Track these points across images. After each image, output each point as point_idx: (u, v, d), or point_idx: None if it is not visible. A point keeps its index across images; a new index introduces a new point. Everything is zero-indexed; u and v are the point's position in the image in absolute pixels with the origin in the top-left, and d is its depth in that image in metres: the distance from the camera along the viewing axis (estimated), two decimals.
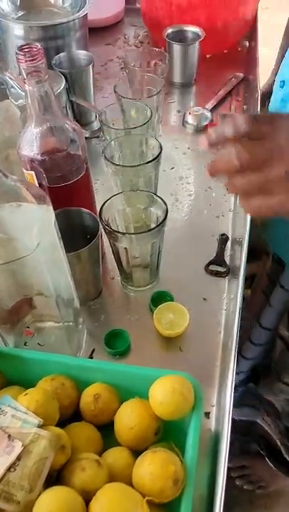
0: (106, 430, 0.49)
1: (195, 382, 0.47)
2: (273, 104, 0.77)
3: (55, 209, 0.58)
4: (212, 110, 0.94)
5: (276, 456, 1.19)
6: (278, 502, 1.29)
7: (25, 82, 0.50)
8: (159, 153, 0.64)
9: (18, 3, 0.94)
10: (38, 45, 0.48)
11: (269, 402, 1.09)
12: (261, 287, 0.97)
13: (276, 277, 0.86)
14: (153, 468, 0.41)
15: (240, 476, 1.25)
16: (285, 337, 0.92)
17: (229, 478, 1.08)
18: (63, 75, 0.79)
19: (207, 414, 0.53)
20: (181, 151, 0.87)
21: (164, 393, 0.46)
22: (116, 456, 0.45)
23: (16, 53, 0.48)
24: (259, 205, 0.46)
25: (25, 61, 0.48)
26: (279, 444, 1.15)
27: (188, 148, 0.87)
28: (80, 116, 0.89)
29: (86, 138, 0.87)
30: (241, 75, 1.03)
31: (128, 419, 0.47)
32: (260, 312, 0.91)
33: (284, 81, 0.71)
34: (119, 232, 0.55)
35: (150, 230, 0.55)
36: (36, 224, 0.45)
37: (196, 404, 0.47)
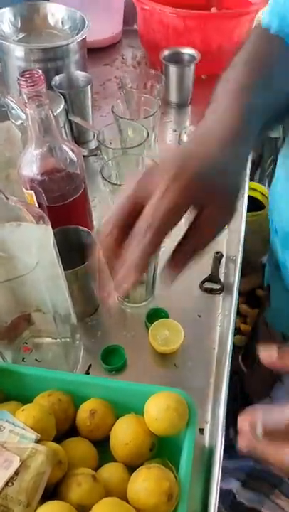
0: (102, 446, 0.50)
1: (189, 399, 0.48)
2: None
3: (53, 227, 0.59)
4: None
5: None
6: None
7: (26, 106, 0.52)
8: None
9: (19, 26, 0.97)
10: (39, 71, 0.50)
11: None
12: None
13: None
14: (148, 484, 0.42)
15: None
16: None
17: None
18: (62, 96, 0.81)
19: (201, 431, 0.54)
20: None
21: (159, 410, 0.47)
22: (111, 471, 0.46)
23: (18, 79, 0.50)
24: None
25: (27, 86, 0.50)
26: None
27: None
28: (79, 135, 0.91)
29: (84, 156, 0.89)
30: None
31: (123, 434, 0.48)
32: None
33: None
34: None
35: None
36: (35, 243, 0.47)
37: (191, 420, 0.48)
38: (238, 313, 0.63)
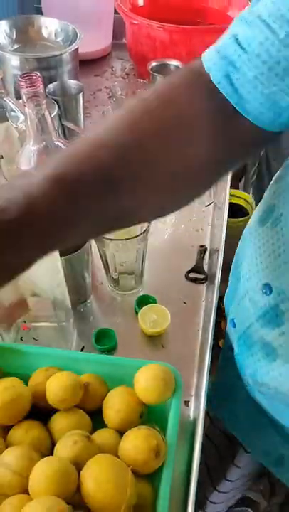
0: (95, 416, 0.54)
1: (175, 370, 0.53)
2: None
3: None
4: None
5: None
6: None
7: (25, 106, 0.57)
8: None
9: (14, 37, 1.02)
10: (38, 73, 0.55)
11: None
12: None
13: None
14: (137, 441, 0.46)
15: None
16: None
17: None
18: (56, 102, 0.87)
19: (186, 403, 0.59)
20: None
21: (148, 379, 0.51)
22: (104, 435, 0.50)
23: (18, 80, 0.55)
24: None
25: (26, 87, 0.55)
26: None
27: None
28: (71, 139, 0.96)
29: None
30: None
31: (115, 403, 0.52)
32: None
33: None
34: (106, 238, 0.62)
35: (135, 237, 0.61)
36: None
37: (176, 390, 0.52)
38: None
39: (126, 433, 0.48)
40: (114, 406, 0.52)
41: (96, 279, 0.73)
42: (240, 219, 1.41)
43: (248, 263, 0.53)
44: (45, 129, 0.59)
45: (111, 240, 0.61)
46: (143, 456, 0.46)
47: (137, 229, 0.68)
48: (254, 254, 0.51)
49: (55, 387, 0.50)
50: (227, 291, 0.62)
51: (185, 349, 0.64)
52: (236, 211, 1.47)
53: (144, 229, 0.62)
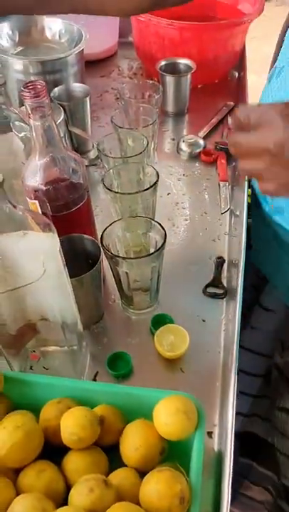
0: (111, 452, 0.50)
1: (197, 402, 0.49)
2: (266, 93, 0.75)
3: (58, 236, 0.60)
4: (205, 138, 0.97)
5: None
6: None
7: (30, 117, 0.52)
8: (156, 180, 0.67)
9: (17, 39, 0.98)
10: (43, 82, 0.51)
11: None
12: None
13: (255, 298, 0.86)
14: (160, 486, 0.42)
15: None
16: (279, 364, 0.89)
17: None
18: (62, 107, 0.83)
19: (210, 434, 0.55)
20: (176, 177, 0.90)
21: (168, 414, 0.47)
22: (122, 476, 0.46)
23: (22, 90, 0.51)
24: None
25: (30, 98, 0.51)
26: None
27: (183, 174, 0.90)
28: (78, 146, 0.92)
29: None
30: (232, 103, 1.07)
31: (133, 440, 0.48)
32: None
33: (281, 67, 0.70)
34: (119, 256, 0.58)
35: (150, 255, 0.57)
36: (42, 252, 0.47)
37: (199, 423, 0.48)
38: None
39: (147, 476, 0.44)
40: (133, 443, 0.48)
41: (109, 297, 0.69)
42: None
43: None
44: (52, 141, 0.56)
45: (124, 258, 0.57)
46: (166, 503, 0.42)
47: (152, 245, 0.64)
48: None
49: (71, 426, 0.46)
50: None
51: (206, 373, 0.60)
52: None
53: (160, 246, 0.58)
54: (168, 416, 0.47)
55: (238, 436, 0.97)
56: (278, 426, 0.89)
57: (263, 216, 0.78)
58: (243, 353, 0.90)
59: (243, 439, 1.01)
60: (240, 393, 0.95)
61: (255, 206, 0.81)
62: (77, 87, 0.90)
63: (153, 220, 0.62)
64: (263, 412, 1.00)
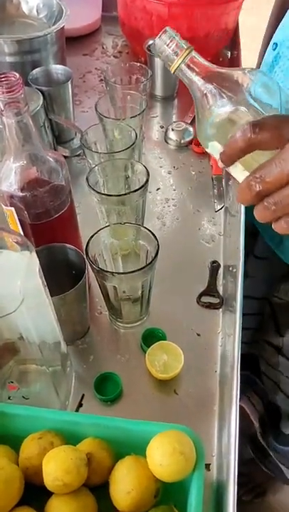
0: (100, 490, 0.45)
1: (196, 438, 0.44)
2: (263, 68, 0.73)
3: (38, 245, 0.54)
4: (192, 122, 0.91)
5: (254, 442, 1.20)
6: None
7: (2, 114, 0.45)
8: (146, 180, 0.61)
9: None
10: (17, 74, 0.44)
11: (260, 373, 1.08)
12: None
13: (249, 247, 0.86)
14: None
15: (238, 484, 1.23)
16: (272, 301, 0.93)
17: None
18: (41, 92, 0.75)
19: (208, 466, 0.50)
20: (166, 171, 0.83)
21: (164, 454, 0.42)
22: None
23: None
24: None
25: (3, 92, 0.43)
26: (256, 426, 1.18)
27: (174, 167, 0.84)
28: (60, 134, 0.84)
29: (66, 157, 0.83)
30: None
31: (124, 481, 0.43)
32: None
33: (276, 43, 0.68)
34: (107, 271, 0.51)
35: (141, 269, 0.51)
36: (19, 275, 0.41)
37: (198, 461, 0.43)
38: None
39: None
40: (124, 486, 0.43)
41: (95, 309, 0.63)
42: None
43: None
44: (29, 140, 0.49)
45: (113, 274, 0.51)
46: None
47: (142, 249, 0.58)
48: None
49: (54, 470, 0.41)
50: None
51: (202, 395, 0.55)
52: None
53: (152, 259, 0.52)
54: (163, 456, 0.42)
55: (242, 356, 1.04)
56: (264, 355, 0.99)
57: None
58: None
59: (246, 358, 1.06)
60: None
61: None
62: (58, 69, 0.81)
63: (144, 227, 0.56)
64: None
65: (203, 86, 0.46)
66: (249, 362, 1.11)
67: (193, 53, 0.47)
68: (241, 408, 1.18)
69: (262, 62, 0.75)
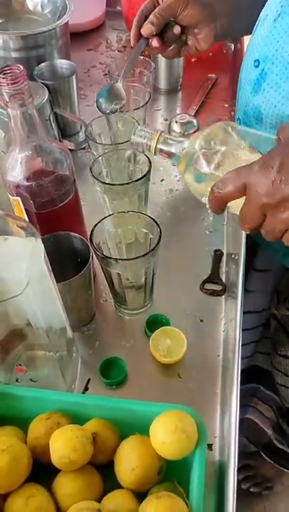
0: (105, 468, 0.47)
1: (197, 417, 0.45)
2: (245, 88, 0.69)
3: (43, 234, 0.55)
4: (196, 116, 0.92)
5: (269, 448, 1.21)
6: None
7: (7, 106, 0.47)
8: (148, 170, 0.62)
9: None
10: (21, 66, 0.45)
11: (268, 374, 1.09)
12: None
13: (249, 262, 0.87)
14: None
15: (246, 477, 1.25)
16: (276, 315, 0.94)
17: None
18: (46, 87, 0.76)
19: (210, 446, 0.51)
20: (169, 162, 0.84)
21: (166, 432, 0.43)
22: (118, 501, 0.43)
23: None
24: None
25: (8, 84, 0.45)
26: (270, 433, 1.18)
27: None
28: (65, 128, 0.86)
29: (72, 150, 0.85)
30: (214, 75, 1.02)
31: (129, 459, 0.44)
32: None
33: (258, 60, 0.64)
34: (111, 258, 0.53)
35: (144, 255, 0.53)
36: (25, 259, 0.43)
37: (200, 441, 0.45)
38: None
39: (144, 503, 0.41)
40: (129, 463, 0.44)
41: (100, 296, 0.64)
42: None
43: None
44: (34, 131, 0.50)
45: (116, 260, 0.53)
46: None
47: (146, 241, 0.59)
48: None
49: (61, 448, 0.43)
50: None
51: (205, 378, 0.56)
52: None
53: (154, 246, 0.53)
54: (166, 435, 0.43)
55: (243, 371, 1.05)
56: (280, 368, 0.99)
57: None
58: None
59: (248, 371, 1.11)
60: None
61: None
62: (63, 63, 0.83)
63: (146, 215, 0.57)
64: (263, 349, 1.07)
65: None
66: (250, 373, 1.12)
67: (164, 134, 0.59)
68: (249, 420, 1.21)
69: (239, 80, 0.73)
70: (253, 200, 0.47)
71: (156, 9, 0.70)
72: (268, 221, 0.48)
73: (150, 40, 0.72)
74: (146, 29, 0.70)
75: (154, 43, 0.71)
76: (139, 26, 0.71)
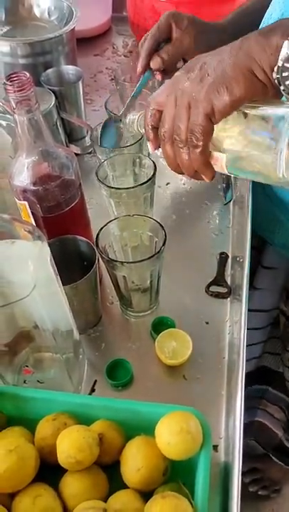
0: (111, 468, 0.47)
1: (203, 418, 0.46)
2: None
3: (50, 237, 0.56)
4: None
5: (279, 449, 1.20)
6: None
7: (14, 112, 0.48)
8: (154, 174, 0.63)
9: (3, 18, 0.92)
10: (27, 73, 0.46)
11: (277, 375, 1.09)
12: None
13: (257, 259, 0.87)
14: None
15: (253, 480, 1.24)
16: (285, 312, 0.93)
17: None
18: (53, 92, 0.77)
19: (215, 448, 0.52)
20: None
21: (171, 433, 0.44)
22: (123, 501, 0.44)
23: (4, 83, 0.46)
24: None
25: (14, 91, 0.46)
26: (280, 434, 1.17)
27: None
28: (71, 132, 0.87)
29: (78, 155, 0.86)
30: None
31: (134, 460, 0.45)
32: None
33: None
34: (117, 261, 0.54)
35: (150, 258, 0.53)
36: (32, 262, 0.44)
37: (205, 442, 0.45)
38: None
39: (149, 503, 0.42)
40: (134, 463, 0.45)
41: (107, 299, 0.65)
42: None
43: None
44: (40, 136, 0.51)
45: (122, 263, 0.53)
46: None
47: (151, 244, 0.60)
48: None
49: (67, 448, 0.43)
50: None
51: (210, 381, 0.57)
52: None
53: (159, 248, 0.54)
54: (171, 435, 0.44)
55: (251, 373, 1.07)
56: None
57: None
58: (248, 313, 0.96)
59: (256, 372, 1.09)
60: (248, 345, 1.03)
61: None
62: (69, 69, 0.84)
63: (152, 218, 0.58)
64: (272, 349, 1.06)
65: None
66: (259, 374, 1.10)
67: None
68: (259, 422, 1.19)
69: None
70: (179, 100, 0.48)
71: (171, 47, 0.69)
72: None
73: (155, 73, 0.72)
74: (156, 63, 0.70)
75: (159, 77, 0.71)
76: (149, 57, 0.70)
